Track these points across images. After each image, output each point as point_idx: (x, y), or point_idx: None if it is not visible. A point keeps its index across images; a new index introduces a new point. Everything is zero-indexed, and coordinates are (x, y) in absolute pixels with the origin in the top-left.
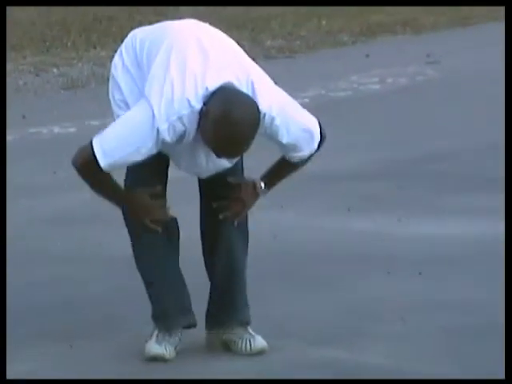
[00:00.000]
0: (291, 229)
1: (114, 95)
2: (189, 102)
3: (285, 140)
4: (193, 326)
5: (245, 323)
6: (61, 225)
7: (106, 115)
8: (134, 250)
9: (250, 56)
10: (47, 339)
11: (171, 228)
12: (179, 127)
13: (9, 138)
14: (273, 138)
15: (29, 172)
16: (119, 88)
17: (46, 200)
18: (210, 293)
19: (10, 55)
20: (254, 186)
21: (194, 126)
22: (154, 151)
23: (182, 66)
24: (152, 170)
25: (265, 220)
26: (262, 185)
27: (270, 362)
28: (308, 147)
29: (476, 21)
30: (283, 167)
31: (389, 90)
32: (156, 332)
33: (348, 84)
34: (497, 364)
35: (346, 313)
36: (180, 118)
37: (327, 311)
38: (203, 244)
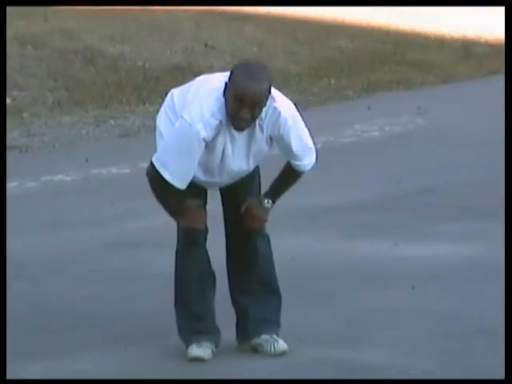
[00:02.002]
0: (306, 251)
1: (158, 141)
2: (216, 98)
3: (294, 146)
4: (218, 345)
5: (272, 333)
6: (117, 249)
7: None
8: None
9: None
10: (105, 344)
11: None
12: (213, 122)
13: (74, 177)
14: (284, 140)
15: (92, 205)
16: (161, 133)
17: (106, 228)
18: (242, 309)
19: (75, 109)
20: (260, 203)
21: (225, 112)
22: (202, 149)
23: (205, 86)
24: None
25: (284, 244)
26: (266, 201)
27: (286, 361)
28: (309, 159)
29: (459, 79)
30: (286, 177)
31: (386, 136)
32: (196, 338)
33: (352, 132)
34: (488, 363)
35: (350, 321)
36: (213, 114)
37: (335, 320)
38: (230, 267)
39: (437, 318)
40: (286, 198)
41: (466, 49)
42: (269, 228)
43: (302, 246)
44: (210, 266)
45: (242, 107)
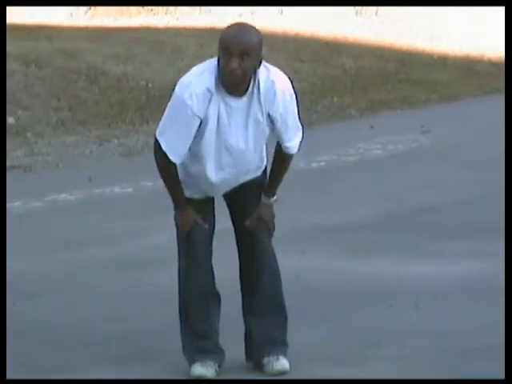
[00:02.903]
0: (310, 270)
1: None
2: (204, 69)
3: (290, 121)
4: (222, 365)
5: (277, 354)
6: (119, 267)
7: (156, 178)
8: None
9: None
10: (106, 362)
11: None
12: (199, 90)
13: (77, 196)
14: (282, 115)
15: (95, 224)
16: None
17: (108, 247)
18: (248, 329)
19: (79, 129)
20: (267, 204)
21: (214, 82)
22: (197, 121)
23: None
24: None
25: (288, 263)
26: (268, 198)
27: (288, 379)
28: (297, 139)
29: (462, 97)
30: (278, 166)
31: (389, 154)
32: (199, 357)
33: (355, 150)
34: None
35: (354, 339)
36: (200, 82)
37: (337, 338)
38: (241, 285)
39: (439, 336)
40: (290, 217)
41: (469, 67)
42: (273, 247)
43: (305, 265)
44: (214, 284)
45: (230, 58)
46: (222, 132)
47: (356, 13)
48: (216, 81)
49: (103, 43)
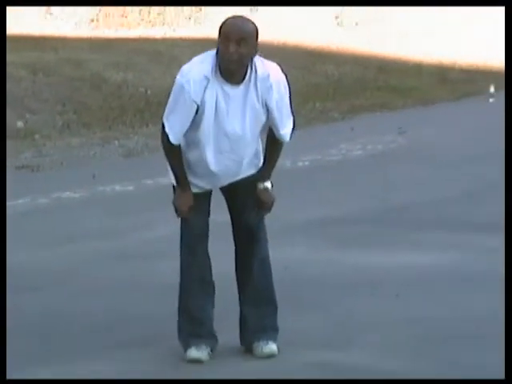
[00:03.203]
0: (298, 261)
1: None
2: (203, 58)
3: (285, 109)
4: (214, 349)
5: (267, 339)
6: (121, 259)
7: (156, 176)
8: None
9: None
10: (107, 349)
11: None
12: (197, 77)
13: (81, 193)
14: (277, 104)
15: (97, 220)
16: None
17: (111, 240)
18: (242, 317)
19: (83, 131)
20: (264, 188)
21: (212, 69)
22: (194, 105)
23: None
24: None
25: (278, 255)
26: (265, 184)
27: (276, 363)
28: (289, 127)
29: (436, 101)
30: (271, 153)
31: (369, 154)
32: (194, 341)
33: (338, 151)
34: (465, 364)
35: (340, 326)
36: (198, 70)
37: (323, 325)
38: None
39: (418, 323)
40: (278, 213)
41: (442, 74)
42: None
43: (294, 257)
44: (211, 274)
45: (229, 44)
46: (220, 119)
47: (338, 23)
48: (213, 68)
49: (105, 53)
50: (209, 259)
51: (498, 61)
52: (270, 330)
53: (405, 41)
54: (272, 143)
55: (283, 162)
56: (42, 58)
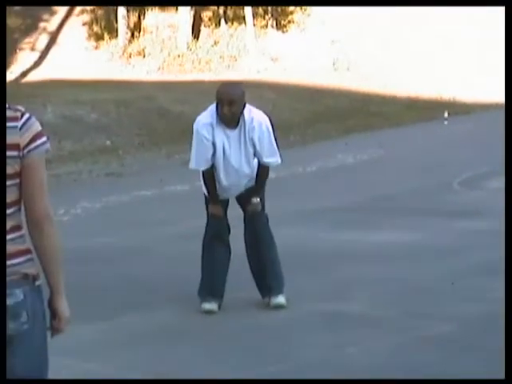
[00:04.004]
0: (303, 238)
1: None
2: (210, 109)
3: (266, 145)
4: (221, 305)
5: (278, 293)
6: (180, 240)
7: (192, 180)
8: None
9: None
10: (172, 301)
11: (226, 238)
12: (205, 123)
13: (153, 192)
14: (261, 141)
15: (164, 211)
16: None
17: (173, 225)
18: (256, 281)
19: (153, 148)
20: (254, 202)
21: (215, 117)
22: (210, 143)
23: None
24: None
25: (282, 234)
26: (255, 199)
27: (284, 313)
28: (275, 158)
29: (406, 124)
30: (261, 176)
31: (358, 162)
32: (208, 298)
33: (335, 160)
34: (423, 313)
35: (332, 285)
36: (205, 118)
37: (320, 284)
38: (247, 250)
39: (398, 281)
40: (293, 203)
41: (410, 103)
42: (272, 224)
43: (301, 235)
44: (228, 235)
45: (223, 106)
46: (226, 155)
47: (334, 69)
48: (216, 118)
49: (168, 91)
50: (227, 223)
51: (450, 93)
52: (277, 286)
53: (382, 80)
54: (260, 167)
55: (296, 168)
56: (123, 96)
